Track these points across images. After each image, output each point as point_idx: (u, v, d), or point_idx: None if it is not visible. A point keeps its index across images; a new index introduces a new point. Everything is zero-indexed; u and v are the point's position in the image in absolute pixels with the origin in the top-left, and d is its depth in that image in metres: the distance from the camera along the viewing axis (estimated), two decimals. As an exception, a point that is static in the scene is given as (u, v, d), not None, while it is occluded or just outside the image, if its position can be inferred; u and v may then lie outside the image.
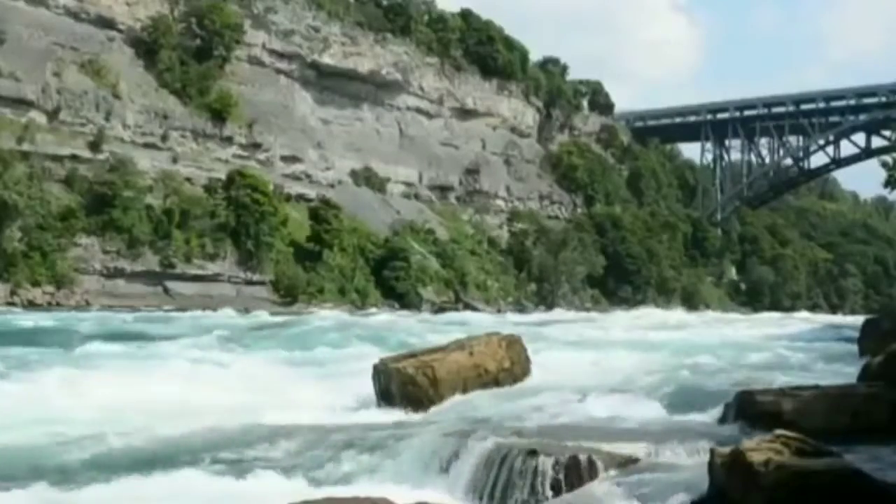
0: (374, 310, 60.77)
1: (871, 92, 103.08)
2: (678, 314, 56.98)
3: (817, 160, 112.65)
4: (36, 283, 52.03)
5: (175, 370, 17.10)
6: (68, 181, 58.30)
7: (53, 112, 59.89)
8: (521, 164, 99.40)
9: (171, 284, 59.79)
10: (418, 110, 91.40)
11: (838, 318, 61.68)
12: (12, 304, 48.38)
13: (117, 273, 57.49)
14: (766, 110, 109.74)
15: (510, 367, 15.51)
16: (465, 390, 14.45)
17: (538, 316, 55.82)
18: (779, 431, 7.51)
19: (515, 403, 13.49)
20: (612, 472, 8.43)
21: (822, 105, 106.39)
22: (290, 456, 10.26)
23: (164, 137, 66.12)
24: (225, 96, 71.03)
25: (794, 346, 26.56)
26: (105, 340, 23.61)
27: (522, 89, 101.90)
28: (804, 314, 70.46)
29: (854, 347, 21.89)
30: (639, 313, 53.41)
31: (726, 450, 7.24)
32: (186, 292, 59.25)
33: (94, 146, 60.67)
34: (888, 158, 34.78)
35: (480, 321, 39.33)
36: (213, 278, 62.11)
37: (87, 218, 56.94)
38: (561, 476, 8.41)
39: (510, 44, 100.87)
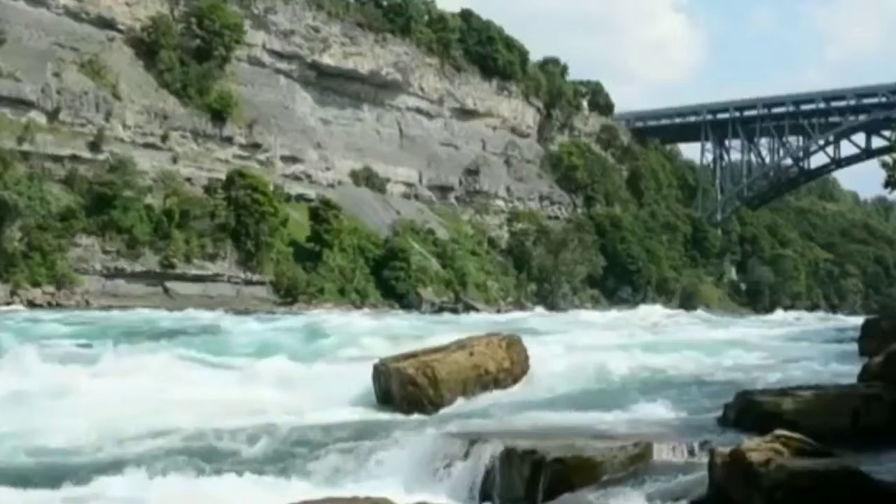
0: (315, 310, 56.08)
1: (871, 92, 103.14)
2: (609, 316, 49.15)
3: (817, 160, 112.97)
4: (36, 284, 52.02)
5: (163, 369, 17.10)
6: (68, 181, 58.30)
7: (53, 112, 59.89)
8: (521, 164, 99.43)
9: (171, 285, 59.79)
10: (418, 110, 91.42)
11: (838, 319, 61.49)
12: (12, 304, 48.36)
13: (117, 273, 57.48)
14: (766, 110, 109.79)
15: (510, 367, 15.50)
16: (465, 391, 14.46)
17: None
18: (779, 431, 7.51)
19: (515, 403, 13.49)
20: (613, 473, 8.42)
21: (821, 105, 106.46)
22: (289, 456, 10.26)
23: (164, 137, 66.12)
24: (225, 96, 71.02)
25: (794, 346, 26.58)
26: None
27: (522, 89, 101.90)
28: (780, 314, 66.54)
29: (854, 347, 21.89)
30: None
31: (726, 450, 7.24)
32: (186, 292, 59.23)
33: (94, 146, 60.68)
34: (888, 158, 34.71)
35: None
36: (213, 278, 62.12)
37: (87, 218, 56.93)
38: (561, 476, 8.40)
39: (510, 44, 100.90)
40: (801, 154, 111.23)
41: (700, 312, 62.77)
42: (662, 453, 8.99)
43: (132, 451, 10.59)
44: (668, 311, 59.09)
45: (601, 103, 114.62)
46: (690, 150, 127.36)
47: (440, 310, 64.89)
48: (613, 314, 52.74)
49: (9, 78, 57.85)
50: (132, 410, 12.69)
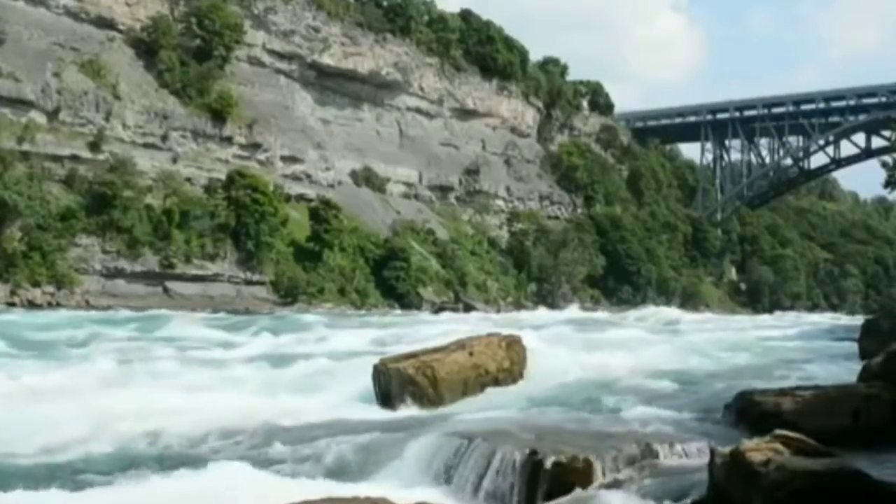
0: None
1: (870, 92, 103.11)
2: None
3: (817, 160, 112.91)
4: (36, 284, 51.95)
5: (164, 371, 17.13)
6: (68, 181, 58.25)
7: (53, 112, 59.83)
8: (521, 164, 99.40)
9: (171, 285, 59.73)
10: (418, 110, 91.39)
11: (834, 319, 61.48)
12: (12, 304, 48.34)
13: (117, 273, 57.43)
14: (766, 110, 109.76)
15: (510, 367, 15.52)
16: (465, 390, 14.46)
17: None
18: (779, 431, 7.50)
19: (515, 403, 13.49)
20: (612, 473, 8.42)
21: (822, 105, 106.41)
22: (289, 456, 10.26)
23: (164, 137, 66.07)
24: (225, 96, 70.94)
25: (794, 346, 26.59)
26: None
27: (522, 89, 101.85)
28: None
29: (854, 347, 21.91)
30: None
31: (726, 450, 7.23)
32: (186, 292, 59.22)
33: (94, 146, 60.61)
34: (888, 158, 34.82)
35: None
36: (213, 278, 62.07)
37: (87, 218, 56.87)
38: (561, 477, 8.40)
39: (510, 44, 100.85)
40: (801, 154, 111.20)
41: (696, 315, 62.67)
42: (662, 453, 8.99)
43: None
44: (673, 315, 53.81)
45: (601, 103, 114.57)
46: (690, 150, 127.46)
47: (440, 310, 64.84)
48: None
49: (9, 78, 57.78)
50: None
